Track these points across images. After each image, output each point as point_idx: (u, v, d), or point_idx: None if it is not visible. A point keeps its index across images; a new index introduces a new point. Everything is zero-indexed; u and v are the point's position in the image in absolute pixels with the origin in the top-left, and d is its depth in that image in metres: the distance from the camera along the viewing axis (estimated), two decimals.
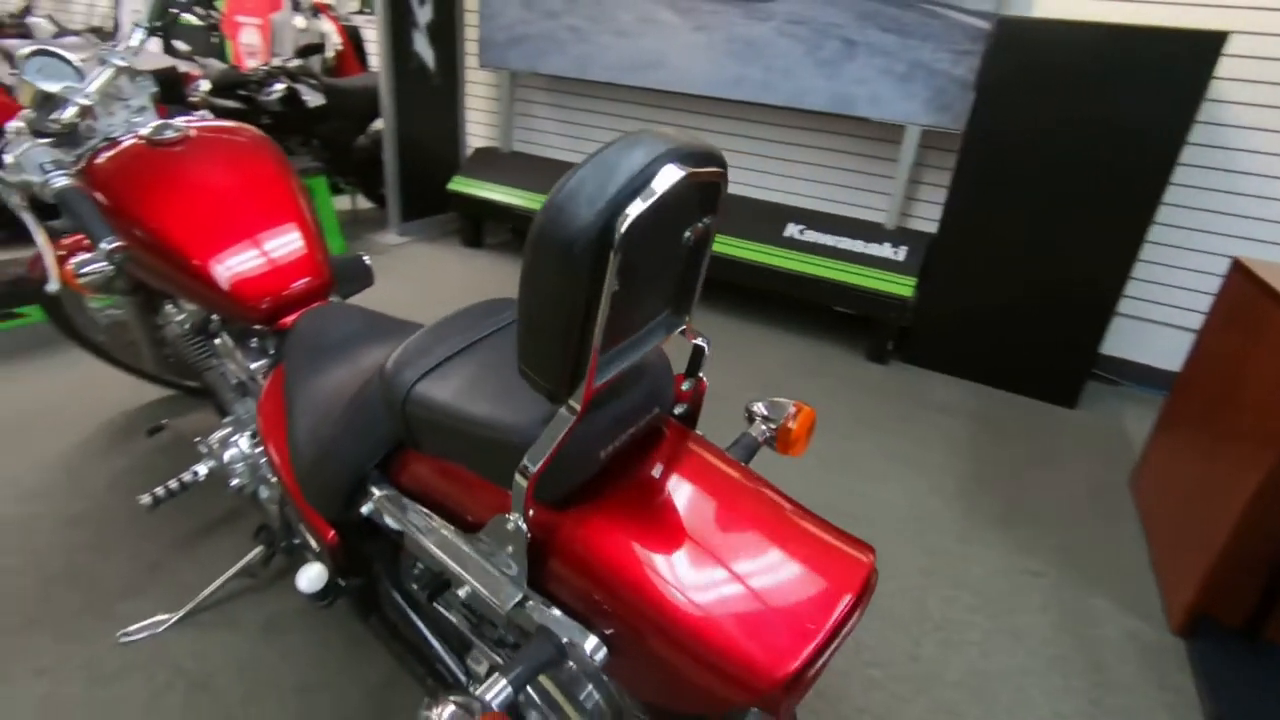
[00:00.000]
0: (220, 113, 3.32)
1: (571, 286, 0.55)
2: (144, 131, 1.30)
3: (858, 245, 3.02)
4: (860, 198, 3.29)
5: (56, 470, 1.87)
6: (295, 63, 3.65)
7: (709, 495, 0.74)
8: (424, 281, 3.44)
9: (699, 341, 0.83)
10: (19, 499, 1.76)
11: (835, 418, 2.54)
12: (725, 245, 3.19)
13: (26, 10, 5.34)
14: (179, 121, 1.36)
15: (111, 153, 1.27)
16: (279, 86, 3.54)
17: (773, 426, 0.97)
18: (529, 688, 0.89)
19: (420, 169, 3.95)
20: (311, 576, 1.00)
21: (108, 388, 2.23)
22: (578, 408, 0.61)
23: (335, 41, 4.42)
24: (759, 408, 0.99)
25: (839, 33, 2.89)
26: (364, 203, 4.34)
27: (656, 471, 0.76)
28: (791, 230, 3.15)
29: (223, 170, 1.29)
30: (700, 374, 0.88)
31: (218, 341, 1.36)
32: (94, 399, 2.18)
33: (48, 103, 1.29)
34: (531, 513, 0.70)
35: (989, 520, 2.06)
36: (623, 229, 0.52)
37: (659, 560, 0.67)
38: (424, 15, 3.74)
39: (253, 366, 1.29)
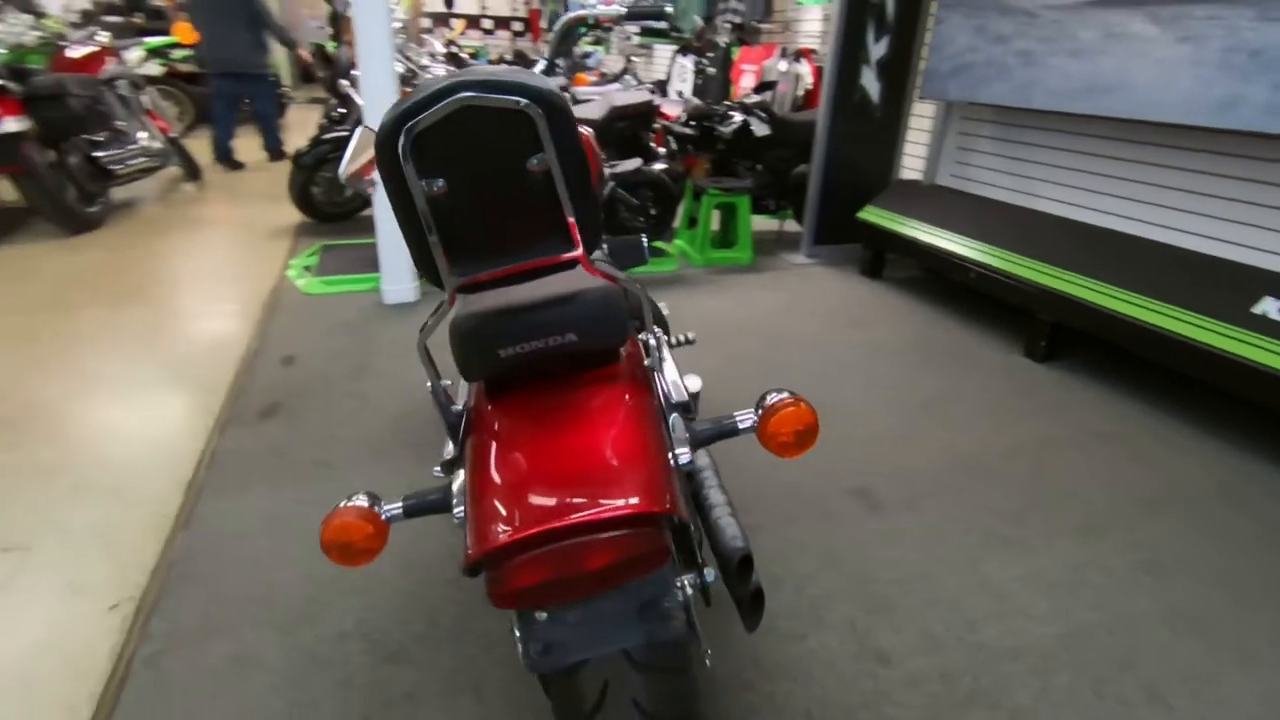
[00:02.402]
0: (678, 138, 4.10)
1: (388, 180, 0.70)
2: None
3: None
4: None
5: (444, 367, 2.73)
6: (753, 98, 4.21)
7: (580, 417, 0.79)
8: (800, 295, 3.60)
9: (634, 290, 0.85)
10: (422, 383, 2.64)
11: (1265, 582, 1.77)
12: (1146, 310, 2.47)
13: (625, 71, 7.28)
14: None
15: None
16: (737, 118, 4.16)
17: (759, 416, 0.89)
18: None
19: (844, 197, 4.08)
20: (447, 449, 1.33)
21: None
22: (446, 295, 0.76)
23: (807, 81, 4.88)
24: (770, 396, 0.91)
25: None
26: (795, 226, 4.70)
27: (562, 390, 0.83)
28: (1268, 307, 2.25)
29: None
30: (656, 328, 0.88)
31: None
32: None
33: None
34: (448, 382, 0.87)
35: None
36: (402, 134, 0.66)
37: (493, 445, 0.77)
38: (877, 52, 3.86)
39: None
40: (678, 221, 4.30)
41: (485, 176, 0.73)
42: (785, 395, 0.89)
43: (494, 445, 0.78)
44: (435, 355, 0.90)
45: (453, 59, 4.12)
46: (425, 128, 0.68)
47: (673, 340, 2.28)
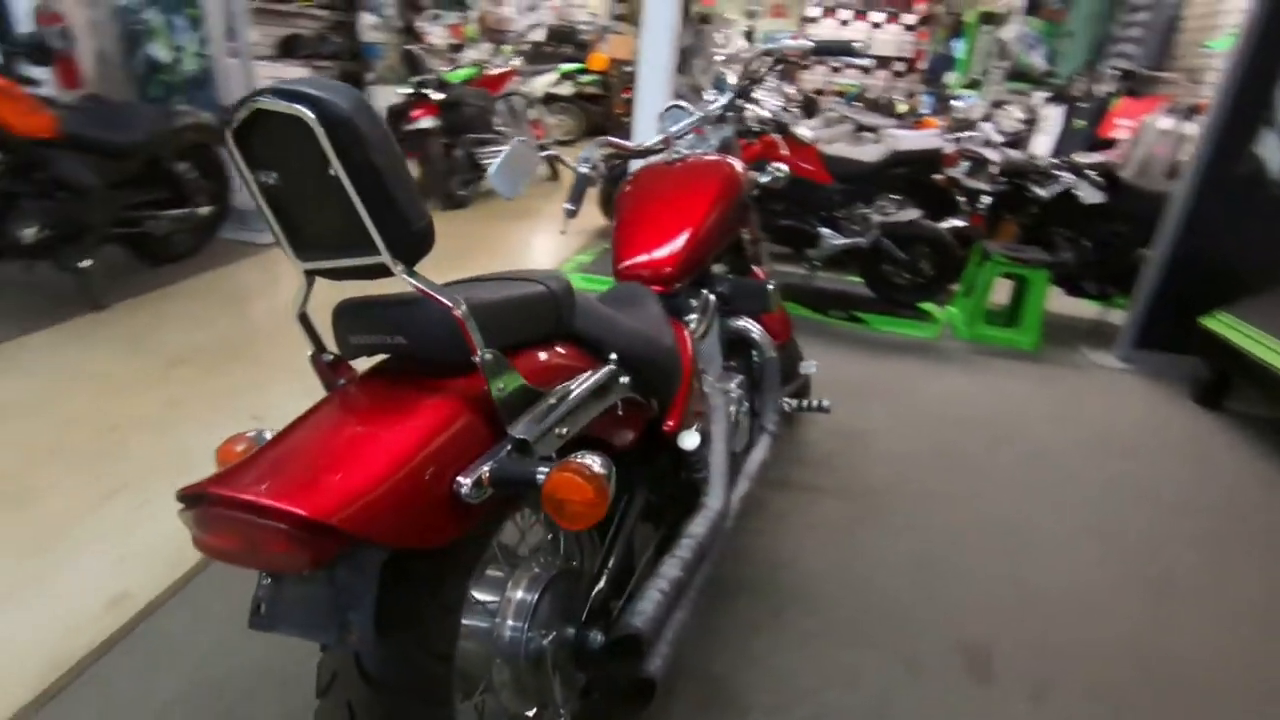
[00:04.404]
0: (971, 194, 3.58)
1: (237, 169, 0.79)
2: (669, 155, 1.84)
3: None
4: None
5: None
6: (1093, 159, 3.46)
7: (375, 416, 0.83)
8: (1075, 403, 2.86)
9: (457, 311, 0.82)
10: None
11: None
12: None
13: (986, 117, 6.55)
14: (685, 152, 1.85)
15: (652, 161, 1.87)
16: (1066, 178, 3.48)
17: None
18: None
19: (1197, 295, 3.10)
20: None
21: None
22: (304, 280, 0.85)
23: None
24: (575, 457, 0.81)
25: None
26: (1119, 318, 3.74)
27: (392, 388, 0.87)
28: None
29: (677, 183, 1.73)
30: (484, 351, 0.84)
31: None
32: None
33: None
34: (330, 355, 0.94)
35: None
36: (228, 129, 0.74)
37: (308, 414, 0.84)
38: None
39: None
40: (958, 285, 3.77)
41: (307, 177, 0.79)
42: (590, 462, 0.79)
43: (309, 415, 0.85)
44: None
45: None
46: (252, 125, 0.77)
47: (797, 403, 2.06)
